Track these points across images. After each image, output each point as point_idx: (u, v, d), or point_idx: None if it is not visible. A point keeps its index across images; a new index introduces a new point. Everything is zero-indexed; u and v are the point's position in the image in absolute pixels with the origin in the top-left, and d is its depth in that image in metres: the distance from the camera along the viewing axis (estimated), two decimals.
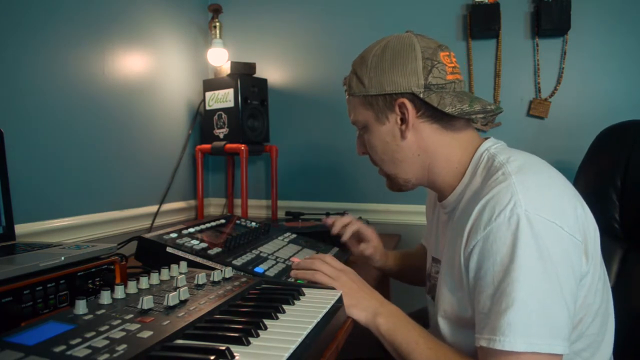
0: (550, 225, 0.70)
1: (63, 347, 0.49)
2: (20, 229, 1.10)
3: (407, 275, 1.23)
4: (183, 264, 0.85)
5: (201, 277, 0.78)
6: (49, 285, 0.73)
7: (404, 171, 0.90)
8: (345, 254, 1.22)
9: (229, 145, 1.77)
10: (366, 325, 0.83)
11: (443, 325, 0.85)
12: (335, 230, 1.16)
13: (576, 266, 0.72)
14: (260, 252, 1.11)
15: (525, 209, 0.70)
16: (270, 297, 0.78)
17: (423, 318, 0.93)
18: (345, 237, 1.15)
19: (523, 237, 0.69)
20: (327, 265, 0.91)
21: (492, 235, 0.71)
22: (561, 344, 0.67)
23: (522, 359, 0.66)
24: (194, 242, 1.05)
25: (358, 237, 1.18)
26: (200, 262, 0.97)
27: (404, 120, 0.86)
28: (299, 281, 0.92)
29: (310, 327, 0.64)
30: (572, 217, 0.73)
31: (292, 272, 0.94)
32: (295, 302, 0.75)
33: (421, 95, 0.83)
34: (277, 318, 0.67)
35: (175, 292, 0.66)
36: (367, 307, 0.84)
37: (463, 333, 0.81)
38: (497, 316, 0.68)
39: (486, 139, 0.89)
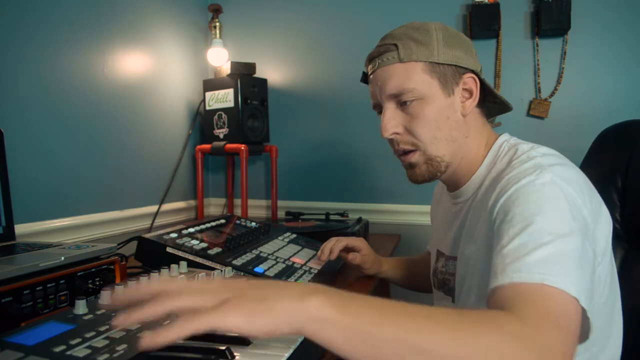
0: (575, 194, 0.69)
1: (63, 347, 0.49)
2: (20, 229, 1.09)
3: (413, 283, 1.21)
4: (183, 264, 0.85)
5: (201, 277, 0.78)
6: (49, 285, 0.73)
7: (451, 153, 0.85)
8: (339, 262, 1.19)
9: (229, 145, 1.77)
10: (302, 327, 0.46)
11: None
12: (324, 257, 1.10)
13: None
14: (260, 252, 1.11)
15: (552, 175, 0.69)
16: None
17: None
18: (333, 256, 1.10)
19: (553, 190, 0.67)
20: (189, 296, 0.48)
21: (521, 190, 0.69)
22: (580, 293, 0.57)
23: (537, 291, 0.56)
24: (194, 242, 1.05)
25: (349, 249, 1.13)
26: (200, 262, 0.97)
27: (469, 96, 0.85)
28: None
29: None
30: (589, 200, 0.73)
31: (118, 322, 0.45)
32: None
33: (481, 76, 0.84)
34: None
35: None
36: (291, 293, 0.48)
37: None
38: (519, 254, 0.61)
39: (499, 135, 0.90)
